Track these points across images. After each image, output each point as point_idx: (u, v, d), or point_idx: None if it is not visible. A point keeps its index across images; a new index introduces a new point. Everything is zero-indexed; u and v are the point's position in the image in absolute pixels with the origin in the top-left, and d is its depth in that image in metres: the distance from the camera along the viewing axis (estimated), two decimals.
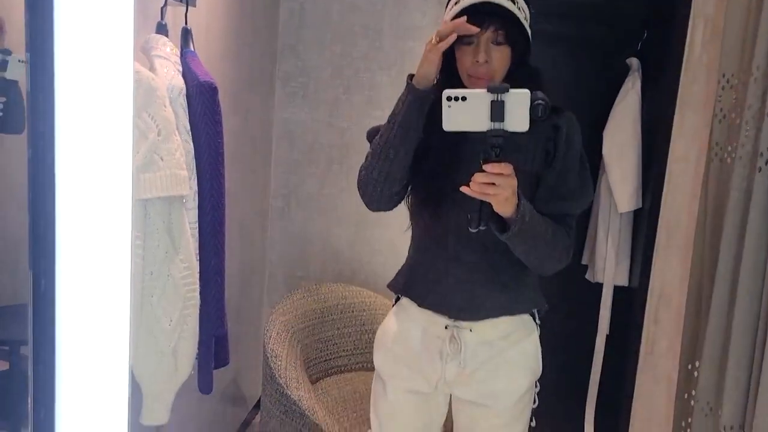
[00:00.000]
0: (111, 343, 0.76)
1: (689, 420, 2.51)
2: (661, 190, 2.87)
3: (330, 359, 2.67)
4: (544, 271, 1.48)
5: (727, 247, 2.18)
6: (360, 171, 1.50)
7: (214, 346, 1.77)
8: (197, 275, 1.56)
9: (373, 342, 2.73)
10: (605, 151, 2.84)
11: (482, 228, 1.33)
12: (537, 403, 1.62)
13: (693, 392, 2.47)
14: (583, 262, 3.20)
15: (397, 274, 1.65)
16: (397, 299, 1.63)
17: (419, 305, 1.53)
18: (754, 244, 2.05)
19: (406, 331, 1.57)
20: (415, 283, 1.56)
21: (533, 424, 1.62)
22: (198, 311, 1.58)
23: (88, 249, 0.71)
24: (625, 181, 2.83)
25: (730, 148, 2.29)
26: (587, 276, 3.14)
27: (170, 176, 1.43)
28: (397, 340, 1.59)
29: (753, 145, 2.07)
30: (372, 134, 1.53)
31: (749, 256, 2.06)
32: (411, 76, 1.39)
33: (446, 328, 1.50)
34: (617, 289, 3.01)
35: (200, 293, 1.58)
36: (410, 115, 1.38)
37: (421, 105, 1.38)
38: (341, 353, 2.69)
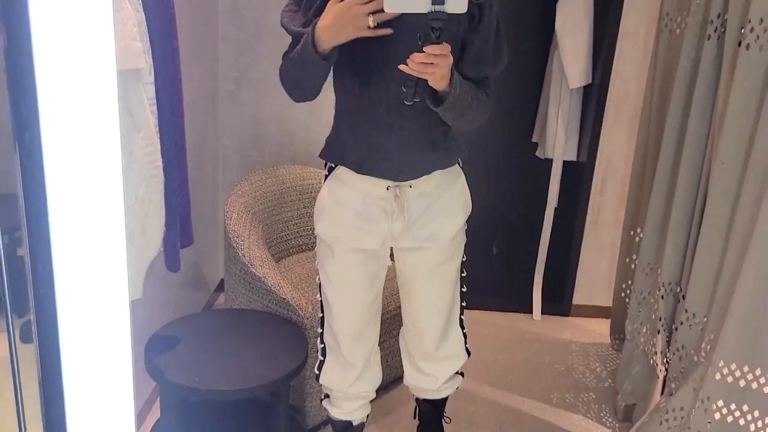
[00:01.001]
0: (104, 217, 0.75)
1: (630, 282, 2.70)
2: (611, 66, 2.92)
3: (291, 239, 2.71)
4: (467, 131, 1.64)
5: (674, 117, 2.26)
6: (280, 71, 1.57)
7: (179, 224, 1.78)
8: (159, 153, 1.54)
9: None
10: (558, 25, 2.84)
11: (416, 101, 1.40)
12: (466, 240, 1.79)
13: (634, 256, 2.65)
14: (534, 140, 3.27)
15: (326, 145, 1.70)
16: (330, 170, 1.69)
17: (357, 172, 1.60)
18: (699, 112, 2.13)
19: (346, 199, 1.64)
20: (349, 152, 1.61)
21: (464, 258, 1.80)
22: (163, 188, 1.57)
23: (76, 129, 0.69)
24: (577, 57, 2.86)
25: (680, 19, 2.32)
26: (537, 153, 3.23)
27: (123, 48, 1.37)
28: (338, 208, 1.65)
29: (703, 14, 2.10)
30: (286, 21, 1.55)
31: (694, 124, 2.15)
32: (313, 27, 1.41)
33: (387, 189, 1.60)
34: (566, 165, 3.11)
35: (164, 170, 1.56)
36: (320, 70, 1.48)
37: (330, 63, 1.46)
38: (302, 233, 2.74)
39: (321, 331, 1.87)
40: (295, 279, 2.49)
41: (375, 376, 1.91)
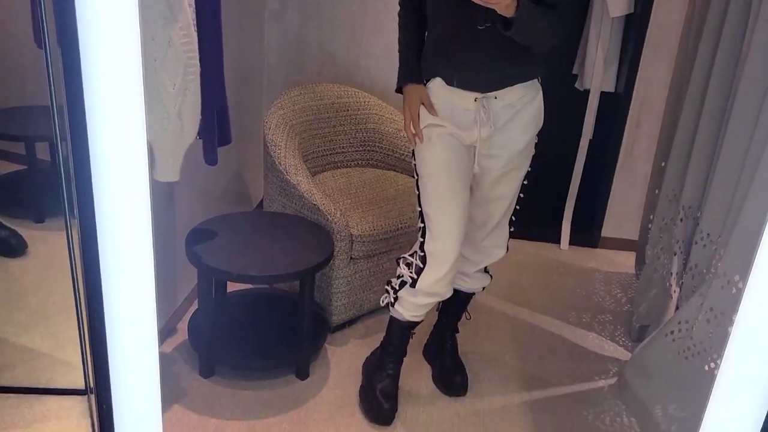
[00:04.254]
0: (126, 104, 0.85)
1: (656, 212, 2.73)
2: None
3: (326, 155, 2.84)
4: (541, 49, 1.82)
5: (706, 45, 2.26)
6: (399, 16, 1.93)
7: (216, 120, 1.92)
8: (196, 44, 1.67)
9: (366, 140, 2.90)
10: None
11: (488, 25, 1.66)
12: (534, 152, 1.98)
13: (662, 186, 2.67)
14: (574, 72, 3.28)
15: (421, 63, 1.88)
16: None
17: (448, 84, 1.82)
18: (729, 41, 2.13)
19: (441, 110, 1.85)
20: (441, 67, 1.83)
21: (529, 169, 1.99)
22: (199, 79, 1.70)
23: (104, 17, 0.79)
24: None
25: None
26: (576, 84, 3.23)
27: None
28: (436, 117, 1.86)
29: None
30: None
31: (724, 52, 2.15)
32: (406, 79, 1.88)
33: (476, 101, 1.81)
34: (603, 97, 3.12)
35: (200, 61, 1.70)
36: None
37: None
38: (337, 150, 2.86)
39: (422, 240, 1.94)
40: (327, 191, 2.63)
41: (453, 281, 2.00)
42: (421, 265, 1.95)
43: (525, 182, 2.00)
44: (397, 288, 2.04)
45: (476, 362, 2.36)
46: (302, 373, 2.24)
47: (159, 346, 2.32)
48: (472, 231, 2.04)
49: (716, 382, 0.93)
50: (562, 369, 2.38)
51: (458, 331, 2.32)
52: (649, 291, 2.54)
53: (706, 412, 0.95)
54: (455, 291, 2.19)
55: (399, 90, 1.93)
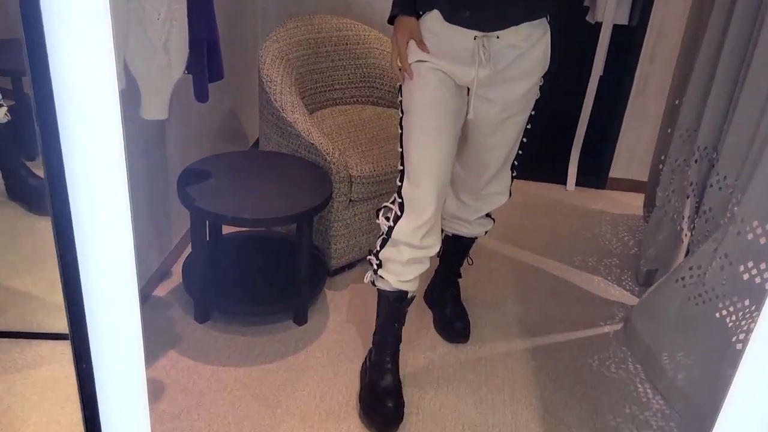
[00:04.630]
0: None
1: (668, 152, 2.63)
2: None
3: (324, 91, 2.71)
4: None
5: None
6: None
7: (206, 54, 1.80)
8: None
9: (366, 76, 2.76)
10: None
11: None
12: (539, 95, 1.80)
13: (675, 125, 2.56)
14: (585, 4, 3.11)
15: None
16: (418, 18, 1.68)
17: (446, 20, 1.61)
18: None
19: (435, 47, 1.65)
20: (439, 1, 1.63)
21: (533, 113, 1.82)
22: (185, 8, 1.57)
23: None
24: None
25: None
26: (587, 17, 3.07)
27: None
28: (429, 53, 1.66)
29: None
30: None
31: None
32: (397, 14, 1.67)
33: (475, 39, 1.62)
34: (615, 31, 2.96)
35: None
36: None
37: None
38: (336, 86, 2.73)
39: (400, 185, 1.77)
40: (325, 129, 2.52)
41: (439, 234, 1.83)
42: (399, 213, 1.75)
43: (528, 126, 1.83)
44: (379, 249, 1.82)
45: (478, 307, 2.31)
46: (300, 318, 2.18)
47: (153, 290, 2.28)
48: (470, 179, 1.90)
49: (751, 340, 0.85)
50: (566, 314, 2.33)
51: (461, 277, 2.26)
52: (658, 234, 2.46)
53: (738, 370, 0.87)
54: (457, 237, 2.10)
55: (391, 20, 1.73)
